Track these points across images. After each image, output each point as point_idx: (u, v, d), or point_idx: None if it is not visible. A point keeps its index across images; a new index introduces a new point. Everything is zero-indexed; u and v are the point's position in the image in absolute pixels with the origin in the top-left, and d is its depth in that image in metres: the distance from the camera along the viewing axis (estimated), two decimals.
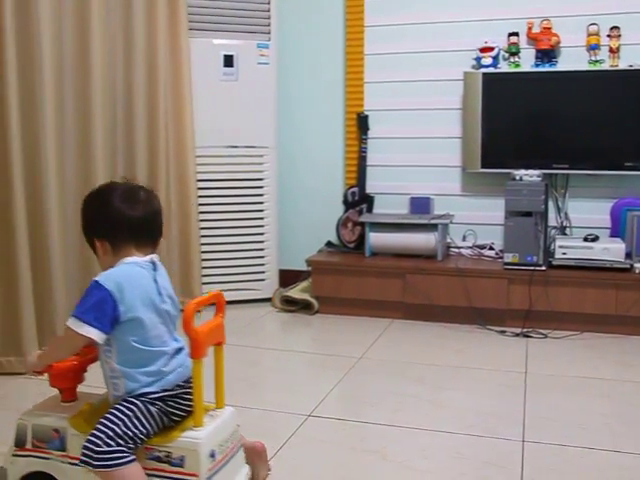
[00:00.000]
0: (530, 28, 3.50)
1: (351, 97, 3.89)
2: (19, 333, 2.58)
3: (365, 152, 3.83)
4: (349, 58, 3.88)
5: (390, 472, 1.85)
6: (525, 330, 3.19)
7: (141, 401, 1.51)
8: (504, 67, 3.56)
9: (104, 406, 1.57)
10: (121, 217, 1.58)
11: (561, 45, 3.48)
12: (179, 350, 1.60)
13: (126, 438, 1.46)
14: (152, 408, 1.52)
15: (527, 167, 3.32)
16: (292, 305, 3.64)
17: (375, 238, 3.59)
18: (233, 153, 3.67)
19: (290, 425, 2.15)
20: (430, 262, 3.44)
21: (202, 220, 3.63)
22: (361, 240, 3.70)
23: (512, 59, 3.53)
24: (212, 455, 1.49)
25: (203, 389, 1.52)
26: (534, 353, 2.91)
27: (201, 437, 1.49)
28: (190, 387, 1.57)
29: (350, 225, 3.78)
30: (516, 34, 3.52)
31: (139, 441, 1.49)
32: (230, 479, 1.58)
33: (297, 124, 4.01)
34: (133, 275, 1.54)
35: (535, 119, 3.48)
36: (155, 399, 1.52)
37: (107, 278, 1.50)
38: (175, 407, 1.56)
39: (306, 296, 3.60)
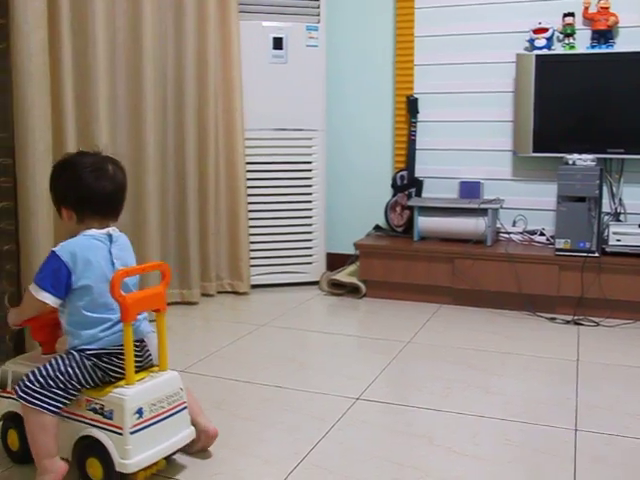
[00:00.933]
0: (587, 8, 3.41)
1: (401, 80, 3.86)
2: None
3: (414, 135, 3.80)
4: (399, 40, 3.84)
5: (438, 457, 1.85)
6: (576, 318, 3.13)
7: (78, 354, 1.67)
8: (558, 49, 3.47)
9: None
10: (89, 193, 1.71)
11: (619, 25, 3.38)
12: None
13: (57, 382, 1.62)
14: (87, 362, 1.66)
15: (581, 151, 3.25)
16: (339, 289, 3.64)
17: (424, 222, 3.56)
18: (282, 136, 3.67)
19: (339, 408, 2.16)
20: (479, 247, 3.40)
21: (250, 203, 3.65)
22: (409, 224, 3.68)
23: (567, 40, 3.44)
24: (139, 412, 1.62)
25: (132, 352, 1.64)
26: (586, 341, 2.86)
27: (128, 394, 1.61)
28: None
29: (399, 209, 3.75)
30: (572, 14, 3.43)
31: (70, 388, 1.64)
32: (165, 437, 1.69)
33: (346, 107, 4.00)
34: (88, 247, 1.68)
35: (590, 102, 3.40)
36: (91, 355, 1.67)
37: (63, 249, 1.66)
38: (110, 364, 1.69)
39: (354, 280, 3.60)
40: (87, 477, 1.64)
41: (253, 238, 3.69)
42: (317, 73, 3.72)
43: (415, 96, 3.80)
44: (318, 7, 3.68)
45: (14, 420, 1.75)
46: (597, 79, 3.36)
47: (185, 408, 1.76)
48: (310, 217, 3.78)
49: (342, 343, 2.87)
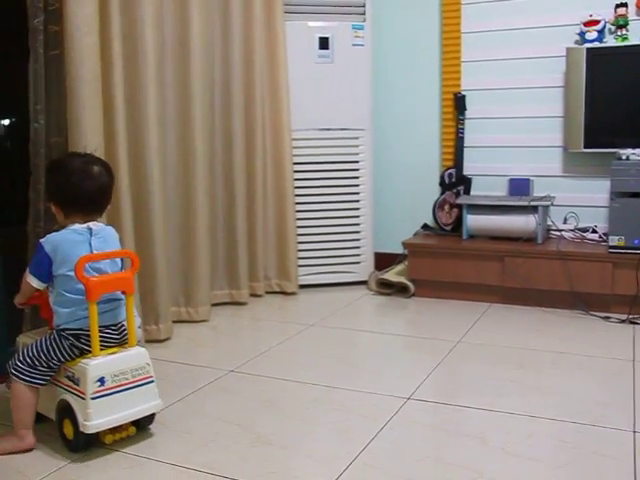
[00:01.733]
0: None
1: (448, 77, 3.82)
2: None
3: (462, 133, 3.76)
4: (445, 37, 3.80)
5: (492, 457, 1.82)
6: (632, 317, 3.06)
7: (58, 334, 1.90)
8: (610, 41, 3.39)
9: None
10: (74, 194, 1.93)
11: None
12: (108, 301, 1.94)
13: (41, 360, 1.88)
14: (65, 342, 1.89)
15: (634, 146, 3.17)
16: (388, 288, 3.63)
17: (473, 220, 3.52)
18: (329, 136, 3.68)
19: (390, 407, 2.15)
20: (530, 245, 3.35)
21: (298, 203, 3.66)
22: (458, 222, 3.64)
23: (619, 32, 3.36)
24: (101, 380, 1.84)
25: (97, 328, 1.86)
26: None
27: (90, 364, 1.84)
28: (103, 331, 1.92)
29: (447, 207, 3.72)
30: (624, 5, 3.35)
31: (53, 365, 1.90)
32: (128, 406, 1.90)
33: (393, 105, 3.98)
34: (69, 240, 1.90)
35: None
36: (70, 334, 1.89)
37: (47, 241, 1.90)
38: (87, 345, 1.90)
39: (402, 279, 3.58)
40: (64, 435, 1.90)
41: (301, 238, 3.70)
42: (363, 72, 3.71)
43: (462, 93, 3.76)
44: (364, 6, 3.67)
45: None
46: None
47: (152, 382, 1.97)
48: (358, 216, 3.77)
49: (391, 343, 2.86)
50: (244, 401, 2.23)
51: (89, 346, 1.89)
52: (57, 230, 1.95)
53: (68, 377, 1.90)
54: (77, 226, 1.93)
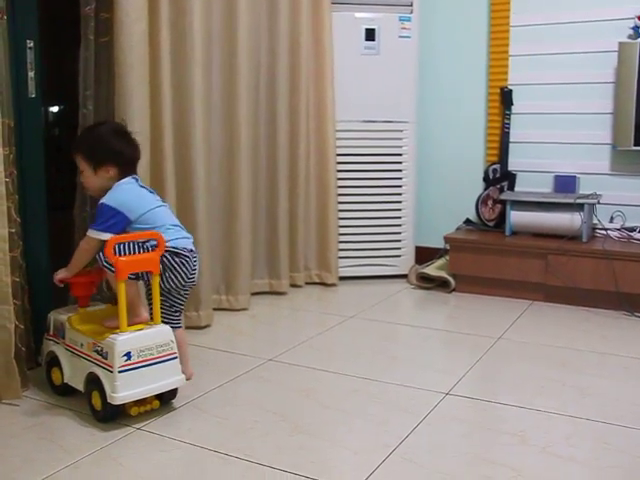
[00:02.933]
0: None
1: (495, 71, 3.77)
2: None
3: (508, 128, 3.71)
4: (494, 30, 3.75)
5: (531, 456, 1.80)
6: None
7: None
8: None
9: (99, 312, 2.20)
10: (135, 154, 2.20)
11: None
12: (173, 225, 2.17)
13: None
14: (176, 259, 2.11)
15: None
16: (428, 282, 3.60)
17: (516, 217, 3.47)
18: (372, 128, 3.66)
19: (428, 402, 2.13)
20: (574, 243, 3.29)
21: (340, 195, 3.65)
22: (501, 218, 3.59)
23: None
24: (127, 355, 1.93)
25: (126, 305, 1.97)
26: None
27: (118, 339, 1.93)
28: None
29: (490, 203, 3.68)
30: None
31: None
32: (153, 380, 1.99)
33: (438, 99, 3.94)
34: (132, 189, 2.13)
35: None
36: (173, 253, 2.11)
37: (112, 199, 2.07)
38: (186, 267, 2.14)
39: (442, 274, 3.55)
40: (92, 407, 2.00)
41: (342, 230, 3.70)
42: (409, 64, 3.68)
43: (509, 87, 3.71)
44: None
45: (56, 359, 2.15)
46: None
47: (175, 358, 2.05)
48: (399, 210, 3.75)
49: (431, 337, 2.84)
50: (282, 390, 2.24)
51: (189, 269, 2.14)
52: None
53: (97, 351, 1.98)
54: (128, 179, 2.15)
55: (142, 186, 2.18)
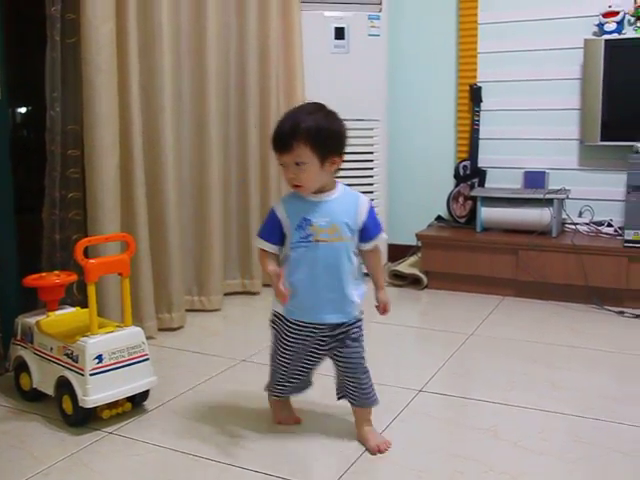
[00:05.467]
0: None
1: (464, 68, 3.79)
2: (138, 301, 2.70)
3: (477, 125, 3.73)
4: (462, 28, 3.77)
5: (503, 451, 1.82)
6: None
7: None
8: (630, 33, 3.35)
9: (66, 316, 2.17)
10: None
11: None
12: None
13: None
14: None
15: None
16: (401, 280, 3.62)
17: (487, 213, 3.50)
18: None
19: (401, 399, 2.14)
20: (544, 238, 3.32)
21: None
22: (472, 215, 3.62)
23: (639, 24, 3.32)
24: (99, 358, 1.92)
25: (96, 308, 1.97)
26: None
27: (88, 342, 1.92)
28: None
29: (461, 199, 3.70)
30: None
31: None
32: (125, 382, 1.98)
33: (408, 96, 3.95)
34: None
35: None
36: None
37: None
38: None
39: (415, 271, 3.57)
40: (63, 411, 1.98)
41: None
42: (379, 63, 3.69)
43: (478, 84, 3.73)
44: None
45: (24, 364, 2.12)
46: None
47: (147, 359, 2.04)
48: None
49: (403, 334, 2.86)
50: (255, 391, 2.23)
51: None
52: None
53: (67, 355, 1.97)
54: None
55: None
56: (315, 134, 1.70)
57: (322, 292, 1.76)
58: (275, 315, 1.85)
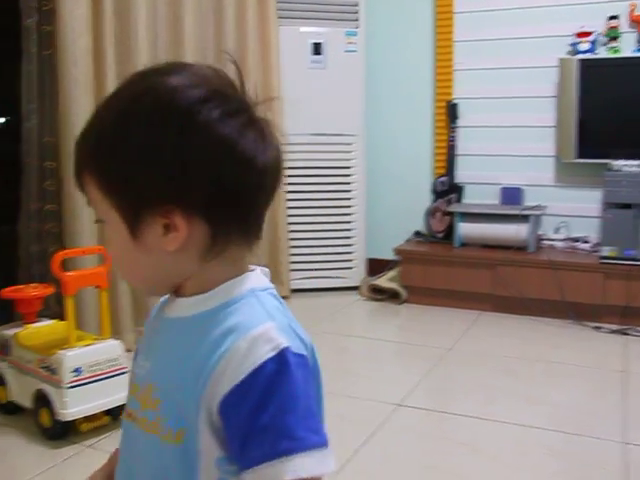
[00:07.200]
0: (632, 10, 3.34)
1: (440, 85, 3.82)
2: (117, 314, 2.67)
3: (454, 141, 3.76)
4: (439, 45, 3.81)
5: (481, 465, 1.81)
6: (622, 327, 3.06)
7: None
8: (602, 53, 3.40)
9: (44, 329, 2.14)
10: None
11: None
12: None
13: None
14: None
15: (626, 157, 3.18)
16: (379, 294, 3.62)
17: (464, 228, 3.52)
18: (321, 141, 3.67)
19: (380, 414, 2.13)
20: (521, 254, 3.35)
21: (290, 207, 3.65)
22: (450, 230, 3.64)
23: (611, 44, 3.38)
24: (77, 370, 1.91)
25: (74, 320, 1.96)
26: (633, 352, 2.79)
27: (66, 355, 1.91)
28: None
29: (439, 215, 3.72)
30: (616, 17, 3.36)
31: None
32: (103, 395, 1.96)
33: (385, 112, 3.98)
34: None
35: (635, 107, 3.30)
36: None
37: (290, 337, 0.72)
38: None
39: (394, 285, 3.57)
40: (41, 424, 1.96)
41: (293, 242, 3.69)
42: (356, 78, 3.71)
43: (455, 101, 3.77)
44: (357, 12, 3.67)
45: (1, 377, 2.11)
46: None
47: (125, 373, 2.01)
48: (350, 222, 3.76)
49: (382, 349, 2.85)
50: None
51: None
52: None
53: (45, 367, 1.94)
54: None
55: None
56: (98, 152, 0.75)
57: None
58: None
